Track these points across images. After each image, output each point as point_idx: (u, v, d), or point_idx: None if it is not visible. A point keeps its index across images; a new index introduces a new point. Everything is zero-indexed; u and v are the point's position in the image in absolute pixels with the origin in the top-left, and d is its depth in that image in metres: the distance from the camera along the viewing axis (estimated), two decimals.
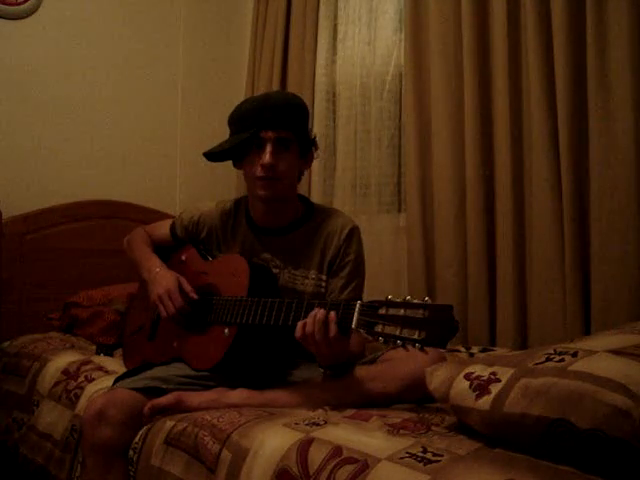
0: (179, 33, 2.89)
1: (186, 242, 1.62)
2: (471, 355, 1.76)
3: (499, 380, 0.95)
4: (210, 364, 1.34)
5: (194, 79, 2.93)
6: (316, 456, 0.97)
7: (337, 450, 0.96)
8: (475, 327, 2.03)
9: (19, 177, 2.38)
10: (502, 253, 1.99)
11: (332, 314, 1.16)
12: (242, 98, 2.80)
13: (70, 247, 2.41)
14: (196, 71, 2.94)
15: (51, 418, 1.63)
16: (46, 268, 2.34)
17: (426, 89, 2.23)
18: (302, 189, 2.55)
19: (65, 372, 1.71)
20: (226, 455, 1.07)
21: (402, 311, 1.06)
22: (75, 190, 2.50)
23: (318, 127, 2.65)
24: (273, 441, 1.04)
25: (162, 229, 1.68)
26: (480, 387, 0.96)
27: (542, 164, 1.88)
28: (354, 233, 1.49)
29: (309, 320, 1.17)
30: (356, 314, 1.12)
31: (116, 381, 1.37)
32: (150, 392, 1.28)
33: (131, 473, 1.23)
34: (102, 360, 1.80)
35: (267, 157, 1.36)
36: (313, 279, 1.47)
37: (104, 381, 1.55)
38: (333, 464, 0.93)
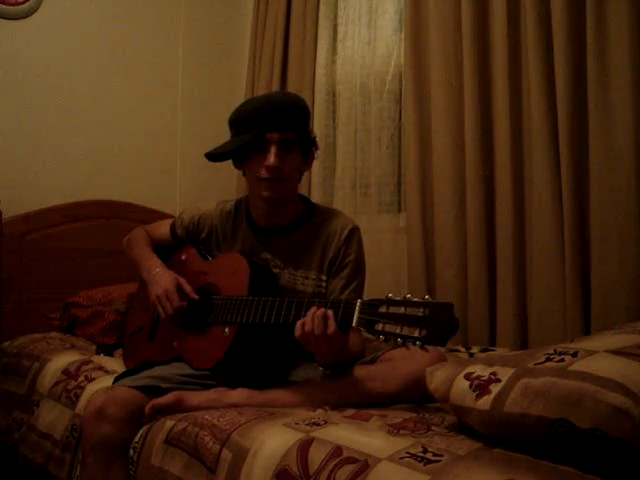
0: (179, 33, 2.89)
1: (186, 242, 1.62)
2: (471, 355, 1.76)
3: (499, 380, 0.95)
4: (210, 364, 1.34)
5: (194, 79, 2.93)
6: (316, 456, 0.97)
7: (337, 450, 0.96)
8: (475, 327, 2.03)
9: (19, 177, 2.38)
10: (502, 253, 1.99)
11: (330, 311, 1.16)
12: (242, 98, 2.80)
13: (70, 247, 2.41)
14: (196, 71, 2.94)
15: (51, 418, 1.63)
16: (46, 268, 2.34)
17: (426, 89, 2.23)
18: (302, 189, 2.55)
19: (65, 372, 1.71)
20: (226, 455, 1.07)
21: (402, 309, 1.06)
22: (75, 190, 2.50)
23: (318, 127, 2.65)
24: (273, 441, 1.04)
25: (162, 229, 1.68)
26: (480, 387, 0.96)
27: (542, 164, 1.88)
28: (354, 233, 1.49)
29: (307, 318, 1.18)
30: (356, 312, 1.12)
31: (116, 380, 1.38)
32: (150, 391, 1.28)
33: (131, 472, 1.23)
34: (102, 360, 1.80)
35: (272, 159, 1.36)
36: (313, 279, 1.47)
37: (104, 381, 1.55)
38: (333, 464, 0.93)
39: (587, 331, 1.78)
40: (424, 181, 2.23)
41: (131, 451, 1.24)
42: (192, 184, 2.84)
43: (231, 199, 1.62)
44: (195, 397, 1.27)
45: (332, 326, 1.15)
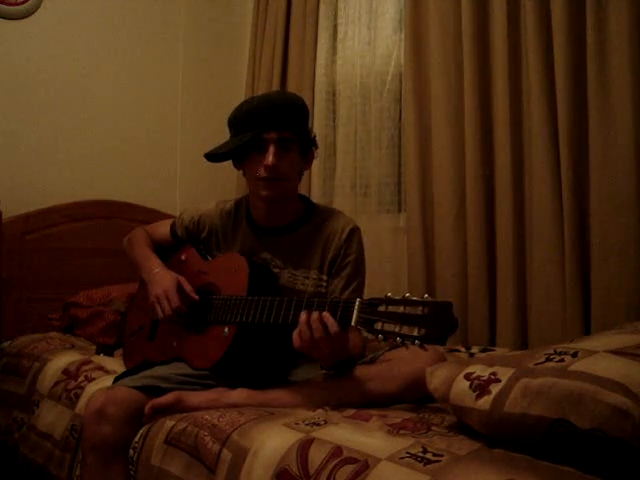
0: (179, 33, 2.89)
1: (186, 242, 1.62)
2: (471, 355, 1.76)
3: (499, 380, 0.95)
4: (210, 363, 1.34)
5: (194, 79, 2.93)
6: (316, 456, 0.97)
7: (337, 450, 0.96)
8: (475, 327, 2.03)
9: (19, 177, 2.38)
10: (502, 253, 1.99)
11: (326, 313, 1.15)
12: (242, 98, 2.80)
13: (70, 247, 2.41)
14: (196, 71, 2.94)
15: (51, 418, 1.63)
16: (46, 268, 2.34)
17: (426, 89, 2.23)
18: (302, 189, 2.55)
19: (65, 372, 1.71)
20: (226, 455, 1.07)
21: (402, 308, 1.06)
22: (75, 190, 2.50)
23: (318, 127, 2.65)
24: (273, 441, 1.04)
25: (162, 229, 1.68)
26: (480, 387, 0.96)
27: (542, 164, 1.88)
28: (355, 233, 1.49)
29: (302, 327, 1.17)
30: (355, 312, 1.12)
31: (116, 380, 1.38)
32: (150, 391, 1.28)
33: (131, 472, 1.23)
34: (102, 360, 1.80)
35: (270, 158, 1.36)
36: (314, 279, 1.47)
37: (104, 381, 1.55)
38: (333, 464, 0.93)
39: (587, 331, 1.78)
40: (424, 181, 2.23)
41: (131, 451, 1.24)
42: (192, 184, 2.84)
43: (231, 199, 1.62)
44: (195, 397, 1.27)
45: (334, 325, 1.15)
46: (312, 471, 0.95)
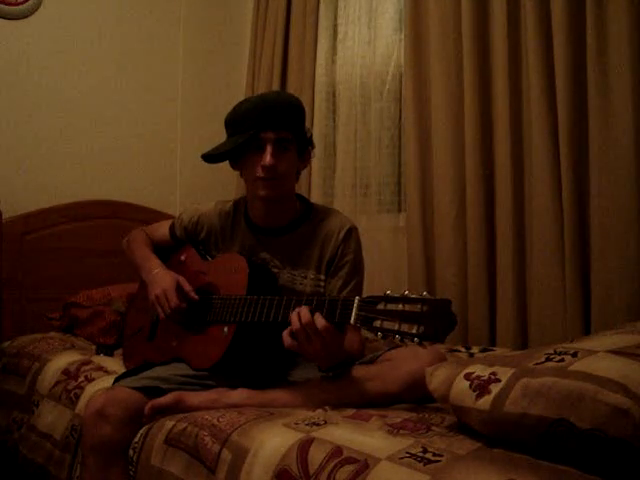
0: (179, 33, 2.89)
1: (185, 242, 1.62)
2: (471, 355, 1.76)
3: (499, 380, 0.95)
4: (210, 363, 1.34)
5: (194, 79, 2.93)
6: (316, 456, 0.97)
7: (337, 450, 0.96)
8: (475, 327, 2.03)
9: (19, 177, 2.38)
10: (502, 253, 1.99)
11: (315, 312, 1.17)
12: (242, 98, 2.78)
13: (70, 247, 2.41)
14: (196, 71, 2.94)
15: (51, 418, 1.63)
16: (46, 268, 2.34)
17: (426, 89, 2.23)
18: (302, 189, 2.55)
19: (65, 372, 1.71)
20: (226, 455, 1.07)
21: (400, 306, 1.06)
22: (75, 190, 2.50)
23: (318, 127, 2.65)
24: (273, 441, 1.04)
25: (162, 230, 1.68)
26: (480, 387, 0.96)
27: (542, 164, 1.88)
28: (352, 233, 1.49)
29: (293, 325, 1.18)
30: (354, 310, 1.12)
31: (116, 380, 1.38)
32: (150, 392, 1.28)
33: (131, 473, 1.23)
34: (102, 360, 1.80)
35: (268, 158, 1.36)
36: (312, 279, 1.47)
37: (104, 381, 1.55)
38: (333, 464, 0.93)
39: (587, 331, 1.78)
40: (424, 181, 2.23)
41: (131, 451, 1.24)
42: (192, 184, 2.84)
43: (230, 199, 1.62)
44: (195, 397, 1.27)
45: (321, 321, 1.15)
46: (312, 471, 0.95)
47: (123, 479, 1.23)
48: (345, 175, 2.57)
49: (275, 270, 1.48)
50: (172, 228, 1.65)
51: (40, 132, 2.45)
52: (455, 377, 1.02)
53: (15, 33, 2.39)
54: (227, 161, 1.51)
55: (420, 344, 1.04)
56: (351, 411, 1.18)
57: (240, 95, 2.89)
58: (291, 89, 2.71)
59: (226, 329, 1.34)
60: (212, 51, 3.00)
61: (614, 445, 0.79)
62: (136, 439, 1.24)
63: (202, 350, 1.37)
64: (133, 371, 1.39)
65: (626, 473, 0.79)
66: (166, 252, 1.64)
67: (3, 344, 2.12)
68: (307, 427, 1.07)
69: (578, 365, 0.90)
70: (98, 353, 1.93)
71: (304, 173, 2.14)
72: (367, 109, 2.51)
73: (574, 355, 0.94)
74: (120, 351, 1.78)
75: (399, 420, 1.10)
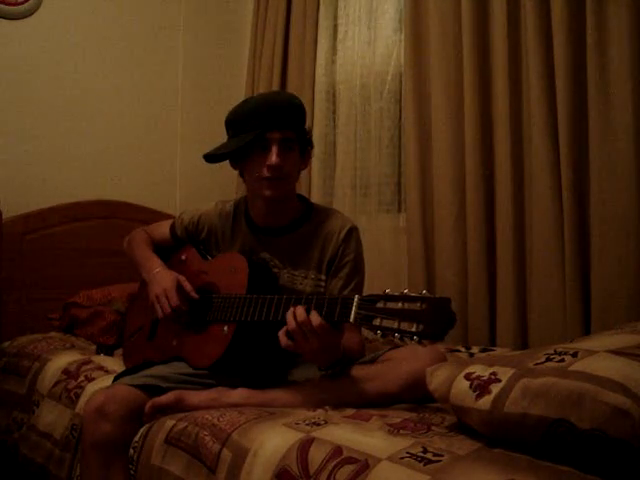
0: (179, 33, 2.89)
1: (186, 242, 1.62)
2: (471, 355, 1.76)
3: (499, 380, 0.95)
4: (209, 362, 1.34)
5: (194, 79, 2.93)
6: (316, 456, 0.97)
7: (337, 450, 0.96)
8: (475, 327, 2.03)
9: (19, 177, 2.38)
10: (502, 253, 1.99)
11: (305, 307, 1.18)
12: (242, 98, 2.78)
13: (70, 247, 2.41)
14: (196, 71, 2.93)
15: (51, 418, 1.63)
16: (46, 268, 2.34)
17: (426, 89, 2.23)
18: (302, 189, 2.55)
19: (65, 372, 1.71)
20: (226, 455, 1.07)
21: (400, 304, 1.06)
22: (75, 190, 2.50)
23: (318, 127, 2.65)
24: (273, 441, 1.04)
25: (162, 229, 1.69)
26: (480, 387, 0.96)
27: (542, 164, 1.88)
28: (353, 233, 1.49)
29: (289, 324, 1.18)
30: (354, 308, 1.12)
31: (116, 379, 1.38)
32: (150, 390, 1.28)
33: (131, 472, 1.23)
34: (102, 360, 1.80)
35: (274, 158, 1.36)
36: (312, 279, 1.47)
37: (104, 381, 1.55)
38: (333, 464, 0.93)
39: (587, 331, 1.78)
40: (424, 181, 2.23)
41: (131, 450, 1.24)
42: (192, 184, 2.84)
43: (231, 199, 1.62)
44: (195, 396, 1.27)
45: (317, 319, 1.15)
46: (312, 471, 0.95)
47: (123, 477, 1.23)
48: (345, 175, 2.57)
49: (275, 270, 1.48)
50: (172, 228, 1.65)
51: (40, 132, 2.45)
52: (455, 377, 1.02)
53: (15, 33, 2.39)
54: (227, 161, 1.51)
55: (420, 342, 1.04)
56: (351, 411, 1.18)
57: (240, 95, 2.89)
58: (291, 89, 2.71)
59: (226, 328, 1.34)
60: (212, 51, 3.00)
61: (614, 445, 0.79)
62: (136, 438, 1.24)
63: (202, 349, 1.37)
64: (133, 369, 1.39)
65: (626, 473, 0.79)
66: (166, 252, 1.64)
67: (3, 344, 2.12)
68: (307, 427, 1.07)
69: (578, 365, 0.90)
70: (98, 353, 1.93)
71: (304, 173, 2.14)
72: (367, 109, 2.50)
73: (574, 355, 0.94)
74: (120, 351, 1.78)
75: (399, 420, 1.10)
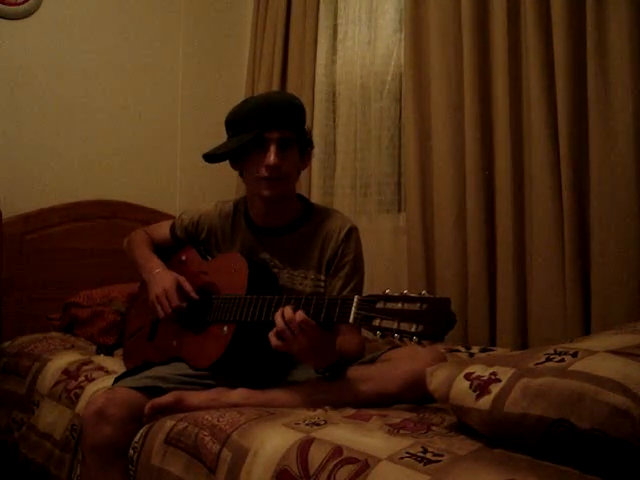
0: (179, 33, 2.89)
1: (186, 243, 1.62)
2: (471, 355, 1.76)
3: (499, 380, 0.95)
4: (209, 362, 1.34)
5: (194, 79, 2.92)
6: (316, 456, 0.97)
7: (337, 450, 0.96)
8: (475, 327, 2.03)
9: (19, 177, 2.38)
10: (502, 253, 1.99)
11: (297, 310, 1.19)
12: (242, 98, 2.78)
13: (70, 247, 2.41)
14: (196, 71, 2.93)
15: (51, 418, 1.63)
16: (46, 268, 2.34)
17: (426, 89, 2.23)
18: (302, 189, 2.55)
19: (65, 372, 1.71)
20: (226, 455, 1.07)
21: (400, 305, 1.06)
22: (75, 190, 2.50)
23: (318, 127, 2.65)
24: (273, 441, 1.04)
25: (162, 230, 1.69)
26: (480, 387, 0.96)
27: (542, 164, 1.87)
28: (352, 233, 1.49)
29: (277, 324, 1.19)
30: (353, 308, 1.12)
31: (116, 380, 1.38)
32: (150, 391, 1.28)
33: (131, 472, 1.23)
34: (102, 360, 1.80)
35: (272, 158, 1.37)
36: (312, 279, 1.47)
37: (104, 381, 1.55)
38: (333, 464, 0.93)
39: (587, 331, 1.78)
40: (424, 181, 2.23)
41: (131, 451, 1.24)
42: (192, 184, 2.84)
43: (230, 199, 1.62)
44: (195, 397, 1.27)
45: (300, 315, 1.17)
46: (312, 471, 0.95)
47: (123, 479, 1.23)
48: (345, 175, 2.57)
49: (275, 270, 1.48)
50: (172, 228, 1.65)
51: (40, 132, 2.45)
52: (455, 377, 1.02)
53: (15, 33, 2.39)
54: (227, 161, 1.51)
55: (419, 343, 1.04)
56: (351, 411, 1.18)
57: (240, 95, 2.89)
58: (291, 89, 2.71)
59: (226, 328, 1.34)
60: (212, 51, 3.00)
61: (614, 445, 0.79)
62: (136, 439, 1.24)
63: (202, 349, 1.37)
64: (133, 371, 1.39)
65: (626, 473, 0.79)
66: (166, 252, 1.64)
67: (3, 344, 2.12)
68: (307, 427, 1.07)
69: (578, 365, 0.90)
70: (98, 353, 1.93)
71: (304, 173, 2.14)
72: (367, 109, 2.50)
73: (574, 355, 0.94)
74: (120, 351, 1.78)
75: (399, 420, 1.10)
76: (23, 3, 2.40)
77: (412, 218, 2.23)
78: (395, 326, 1.05)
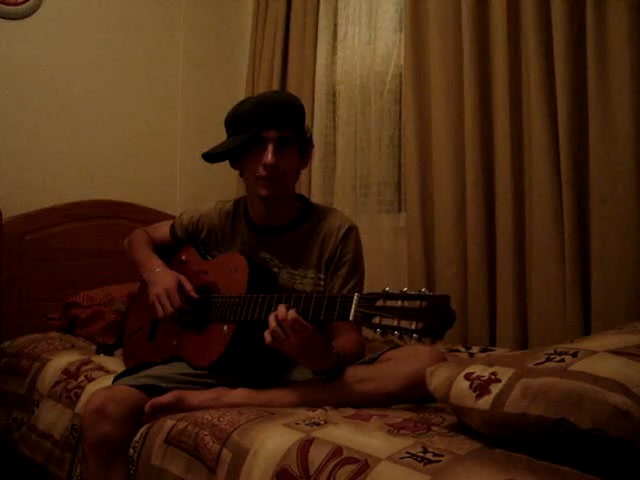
0: (179, 33, 2.89)
1: (186, 242, 1.62)
2: (471, 355, 1.76)
3: (499, 380, 0.95)
4: (209, 361, 1.34)
5: (194, 79, 2.93)
6: (316, 456, 0.97)
7: (337, 450, 0.96)
8: (475, 327, 2.03)
9: (19, 177, 2.38)
10: (502, 253, 1.99)
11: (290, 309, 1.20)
12: (242, 98, 2.79)
13: (70, 247, 2.41)
14: (196, 71, 2.94)
15: (51, 418, 1.63)
16: (46, 268, 2.34)
17: (426, 89, 2.23)
18: (302, 189, 2.56)
19: (65, 372, 1.71)
20: (226, 455, 1.07)
21: (399, 302, 1.06)
22: (75, 190, 2.50)
23: (318, 127, 2.65)
24: (273, 441, 1.04)
25: (162, 230, 1.69)
26: (480, 387, 0.96)
27: (542, 164, 1.88)
28: (352, 232, 1.49)
29: (270, 323, 1.19)
30: (353, 306, 1.12)
31: (116, 379, 1.38)
32: (150, 390, 1.28)
33: (131, 472, 1.23)
34: (102, 360, 1.80)
35: (270, 157, 1.37)
36: (312, 278, 1.47)
37: (104, 380, 1.55)
38: (333, 464, 0.93)
39: (587, 331, 1.78)
40: (424, 181, 2.23)
41: (131, 450, 1.24)
42: (192, 184, 2.84)
43: (230, 199, 1.62)
44: (195, 396, 1.27)
45: (291, 313, 1.17)
46: (312, 471, 0.95)
47: (123, 477, 1.23)
48: (345, 175, 2.57)
49: (275, 269, 1.48)
50: (173, 228, 1.65)
51: (40, 132, 2.45)
52: (455, 377, 1.02)
53: (15, 33, 2.39)
54: (227, 161, 1.51)
55: (419, 340, 1.04)
56: (351, 411, 1.18)
57: (240, 95, 2.89)
58: (291, 89, 2.71)
59: (226, 328, 1.34)
60: (212, 51, 3.00)
61: (614, 445, 0.79)
62: (136, 438, 1.24)
63: (202, 349, 1.37)
64: (133, 370, 1.39)
65: (626, 473, 0.79)
66: (167, 252, 1.64)
67: (3, 344, 2.12)
68: (307, 427, 1.07)
69: (578, 365, 0.90)
70: (98, 353, 1.93)
71: (304, 173, 2.14)
72: (367, 109, 2.50)
73: (574, 355, 0.94)
74: (120, 351, 1.78)
75: (399, 420, 1.10)
76: (23, 3, 2.40)
77: (412, 218, 2.23)
78: (395, 324, 1.05)
